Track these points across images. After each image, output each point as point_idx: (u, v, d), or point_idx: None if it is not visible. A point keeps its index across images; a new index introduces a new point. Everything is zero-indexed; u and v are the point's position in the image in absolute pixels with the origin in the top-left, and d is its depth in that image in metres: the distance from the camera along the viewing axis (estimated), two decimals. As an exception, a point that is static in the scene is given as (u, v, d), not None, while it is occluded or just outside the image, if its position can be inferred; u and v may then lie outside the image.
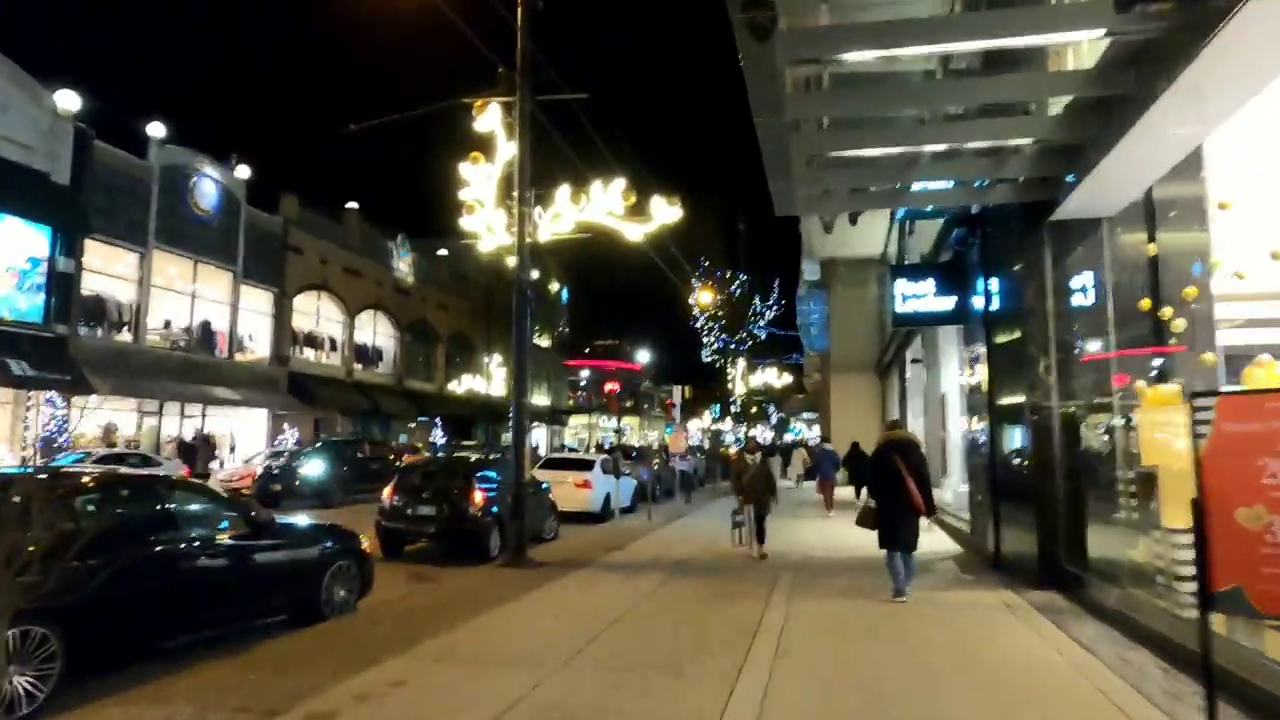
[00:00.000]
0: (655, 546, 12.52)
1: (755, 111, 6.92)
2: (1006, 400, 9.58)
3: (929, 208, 11.32)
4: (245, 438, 32.87)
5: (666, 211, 10.97)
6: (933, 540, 12.78)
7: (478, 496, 11.51)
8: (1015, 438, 9.29)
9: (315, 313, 38.82)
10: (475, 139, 11.01)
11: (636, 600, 8.19)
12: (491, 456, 14.96)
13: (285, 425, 33.30)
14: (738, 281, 36.18)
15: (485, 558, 11.30)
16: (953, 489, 14.98)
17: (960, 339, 15.76)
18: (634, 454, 25.00)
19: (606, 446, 40.72)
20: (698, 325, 36.66)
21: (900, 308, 11.74)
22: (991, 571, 9.60)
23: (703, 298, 36.92)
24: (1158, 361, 6.94)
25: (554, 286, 66.73)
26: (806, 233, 24.66)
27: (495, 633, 6.88)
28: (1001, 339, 9.73)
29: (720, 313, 35.61)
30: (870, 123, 8.44)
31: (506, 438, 50.61)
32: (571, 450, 50.10)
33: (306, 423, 36.34)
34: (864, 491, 13.40)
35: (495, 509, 11.66)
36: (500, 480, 12.25)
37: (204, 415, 31.29)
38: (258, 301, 34.45)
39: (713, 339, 36.62)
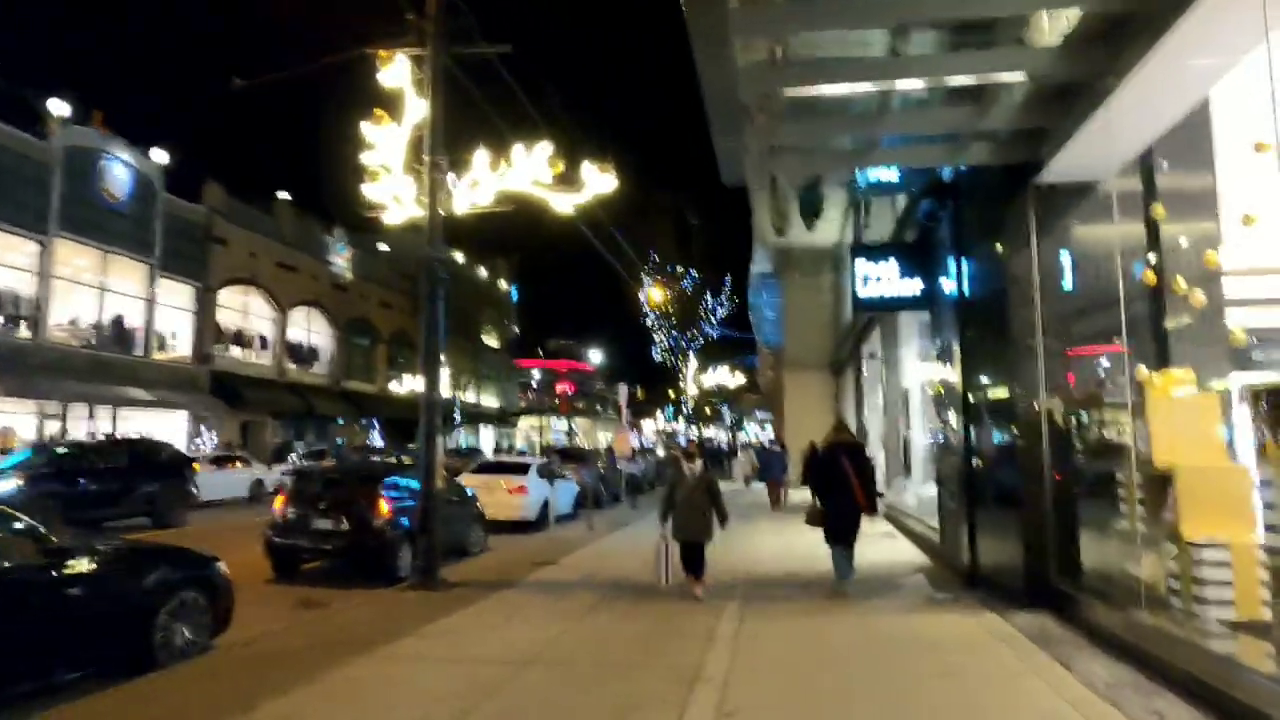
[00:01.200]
0: (591, 560, 11.13)
1: (694, 35, 5.60)
2: (984, 394, 8.42)
3: (894, 177, 10.15)
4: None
5: (599, 180, 9.61)
6: (896, 549, 11.63)
7: (384, 507, 10.00)
8: (995, 436, 8.14)
9: (244, 309, 36.61)
10: (380, 95, 9.52)
11: (556, 635, 6.81)
12: (405, 461, 13.42)
13: (203, 428, 31.04)
14: (688, 277, 34.95)
15: (394, 578, 9.80)
16: (915, 492, 13.89)
17: (922, 330, 14.71)
18: (578, 456, 23.53)
19: (559, 447, 39.22)
20: (647, 323, 35.36)
21: (863, 291, 10.55)
22: (968, 589, 8.44)
23: (653, 294, 35.57)
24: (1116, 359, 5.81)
25: (503, 285, 65.03)
26: (758, 220, 23.53)
27: (362, 688, 5.42)
28: (977, 325, 8.58)
29: (670, 310, 34.32)
30: (833, 55, 7.19)
31: (452, 441, 48.80)
32: (521, 453, 48.44)
33: (232, 425, 34.14)
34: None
35: (407, 522, 10.15)
36: (417, 489, 10.81)
37: (114, 417, 28.96)
38: (178, 296, 32.18)
39: (663, 337, 35.34)
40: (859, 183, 10.30)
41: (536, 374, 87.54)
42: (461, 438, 50.05)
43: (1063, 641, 6.21)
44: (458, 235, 60.82)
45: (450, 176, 9.79)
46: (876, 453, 21.79)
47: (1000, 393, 7.89)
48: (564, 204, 9.71)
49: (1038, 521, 7.24)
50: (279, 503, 10.35)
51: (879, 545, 11.96)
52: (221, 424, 32.99)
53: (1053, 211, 7.48)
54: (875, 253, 10.75)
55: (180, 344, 32.58)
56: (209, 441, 29.91)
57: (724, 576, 9.59)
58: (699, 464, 8.55)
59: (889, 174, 10.15)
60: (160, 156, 30.92)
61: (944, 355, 10.33)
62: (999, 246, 7.83)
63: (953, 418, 9.58)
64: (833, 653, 6.18)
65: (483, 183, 9.72)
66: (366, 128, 9.59)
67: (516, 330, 70.32)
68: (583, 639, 6.75)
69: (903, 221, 11.12)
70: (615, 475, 22.38)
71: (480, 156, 9.68)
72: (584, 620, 7.39)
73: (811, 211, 26.28)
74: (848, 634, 6.70)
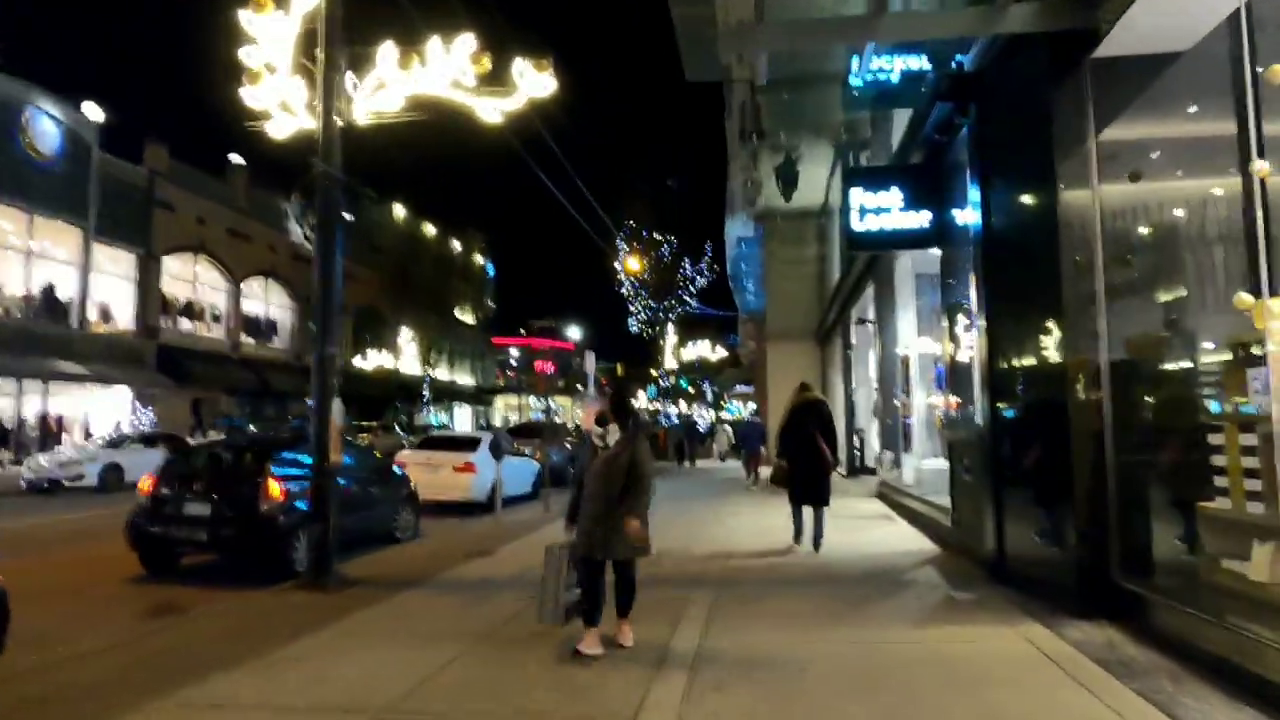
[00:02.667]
0: (531, 551, 9.31)
1: None
2: (1018, 348, 6.65)
3: (896, 75, 8.26)
4: (104, 420, 28.37)
5: (535, 82, 7.69)
6: (896, 535, 9.92)
7: (274, 489, 8.13)
8: (1032, 397, 6.37)
9: (193, 279, 34.37)
10: (262, -23, 7.54)
11: (447, 659, 5.02)
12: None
13: (138, 405, 28.90)
14: (665, 244, 32.95)
15: (290, 572, 7.98)
16: (914, 467, 12.18)
17: (923, 287, 12.98)
18: (540, 432, 21.71)
19: (538, 423, 37.43)
20: (623, 292, 33.42)
21: (859, 225, 8.73)
22: (994, 584, 6.71)
23: (630, 263, 33.62)
24: None
25: (478, 259, 62.83)
26: (735, 171, 21.70)
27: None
28: (1009, 262, 6.80)
29: (647, 278, 32.39)
30: None
31: (423, 418, 46.88)
32: (484, 429, 46.49)
33: (181, 402, 32.05)
34: None
35: (308, 506, 8.30)
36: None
37: (46, 394, 26.82)
38: (118, 264, 29.92)
39: (639, 307, 33.42)
40: (852, 87, 8.42)
41: (515, 352, 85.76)
42: (431, 415, 48.09)
43: (1148, 668, 4.48)
44: (426, 206, 58.19)
45: (350, 77, 7.85)
46: (868, 426, 20.15)
47: (1042, 345, 6.11)
48: (491, 111, 7.80)
49: (1095, 503, 5.50)
50: (146, 483, 8.45)
51: (875, 529, 10.24)
52: (169, 401, 30.92)
53: (1116, 97, 5.67)
54: (874, 179, 8.93)
55: (122, 316, 30.39)
56: (146, 419, 27.77)
57: (689, 566, 7.82)
58: (614, 433, 5.16)
59: (889, 64, 8.26)
60: (94, 113, 28.54)
61: (957, 307, 8.56)
62: (1040, 152, 6.02)
63: (973, 379, 7.83)
64: (824, 687, 4.41)
65: (390, 84, 7.79)
66: (246, 17, 7.62)
67: (493, 306, 68.22)
68: (484, 665, 4.96)
69: (907, 143, 9.30)
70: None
71: (387, 52, 7.74)
72: (491, 639, 5.61)
73: (789, 180, 24.49)
74: (847, 659, 4.93)
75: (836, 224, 22.66)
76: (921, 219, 8.68)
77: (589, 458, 5.39)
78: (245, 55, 7.75)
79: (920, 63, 8.32)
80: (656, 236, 32.97)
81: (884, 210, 8.73)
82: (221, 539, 8.11)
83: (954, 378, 8.52)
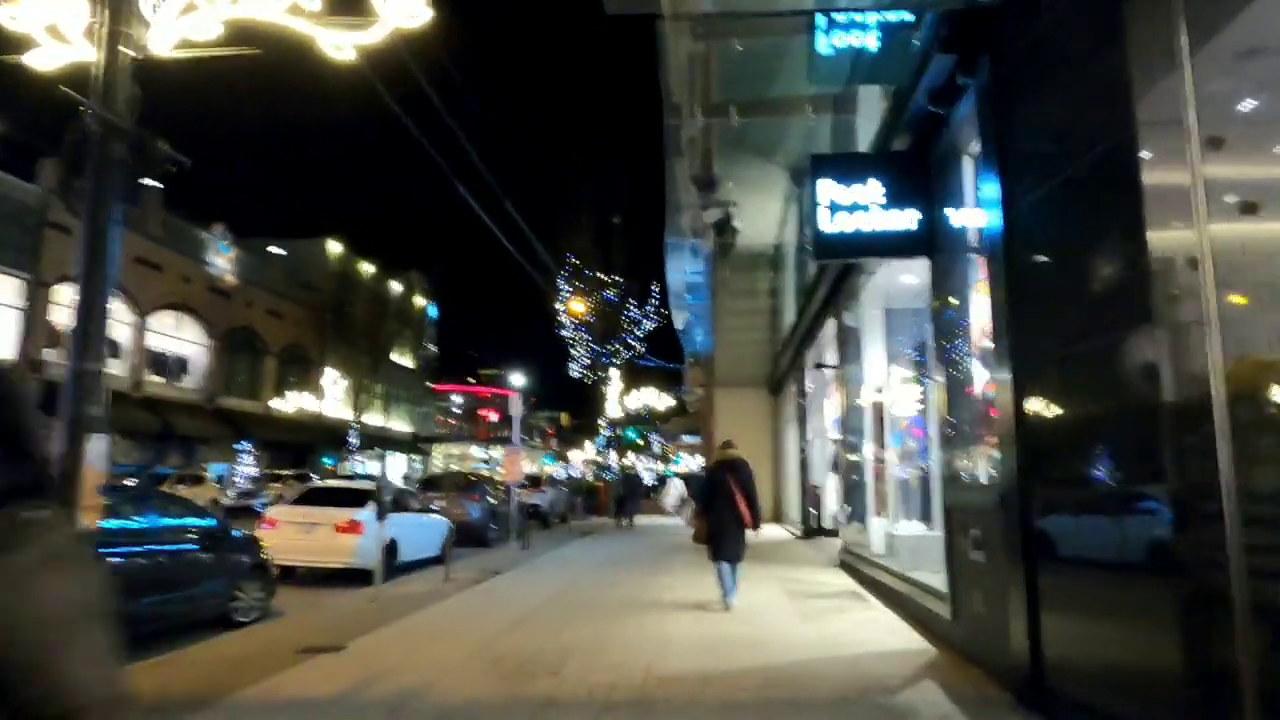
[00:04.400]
0: (397, 645, 6.99)
1: None
2: (1066, 388, 4.72)
3: (872, 37, 6.43)
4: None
5: (400, 8, 5.68)
6: (872, 624, 7.82)
7: None
8: (1097, 453, 4.40)
9: (91, 310, 31.24)
10: None
11: None
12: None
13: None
14: (610, 283, 30.97)
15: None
16: (887, 532, 10.17)
17: (893, 324, 11.18)
18: (460, 484, 19.27)
19: (456, 473, 34.66)
20: (564, 334, 31.26)
21: (828, 225, 6.83)
22: (1030, 715, 4.65)
23: (572, 305, 31.62)
24: None
25: (419, 301, 60.28)
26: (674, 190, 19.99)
27: None
28: (1049, 272, 4.92)
29: (591, 320, 30.33)
30: None
31: (349, 467, 43.66)
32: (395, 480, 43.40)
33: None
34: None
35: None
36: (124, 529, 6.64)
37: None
38: (1, 290, 26.89)
39: (581, 351, 31.28)
40: (820, 57, 6.58)
41: (458, 399, 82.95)
42: (359, 464, 44.89)
43: None
44: (364, 245, 55.63)
45: (148, -5, 5.74)
46: (825, 483, 18.20)
47: (1117, 384, 4.17)
48: (342, 45, 5.73)
49: (1216, 602, 3.50)
50: None
51: (845, 615, 8.14)
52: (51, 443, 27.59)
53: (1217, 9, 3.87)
54: (849, 169, 7.04)
55: (2, 347, 27.21)
56: None
57: (600, 679, 5.58)
58: None
59: (864, 27, 6.43)
60: (-21, 121, 25.81)
61: (953, 334, 6.67)
62: (1109, 116, 4.18)
63: (979, 428, 5.89)
64: None
65: (202, 7, 5.69)
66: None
67: (434, 349, 65.45)
68: None
69: (890, 124, 7.46)
70: (521, 508, 17.99)
71: (202, -36, 5.67)
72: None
73: (725, 241, 22.96)
74: None
75: (790, 263, 21.04)
76: (907, 219, 6.82)
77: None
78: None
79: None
80: (600, 276, 31.08)
81: (860, 208, 6.85)
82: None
83: (954, 426, 6.56)
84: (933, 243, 6.80)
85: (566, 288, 30.11)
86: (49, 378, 28.17)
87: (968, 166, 6.47)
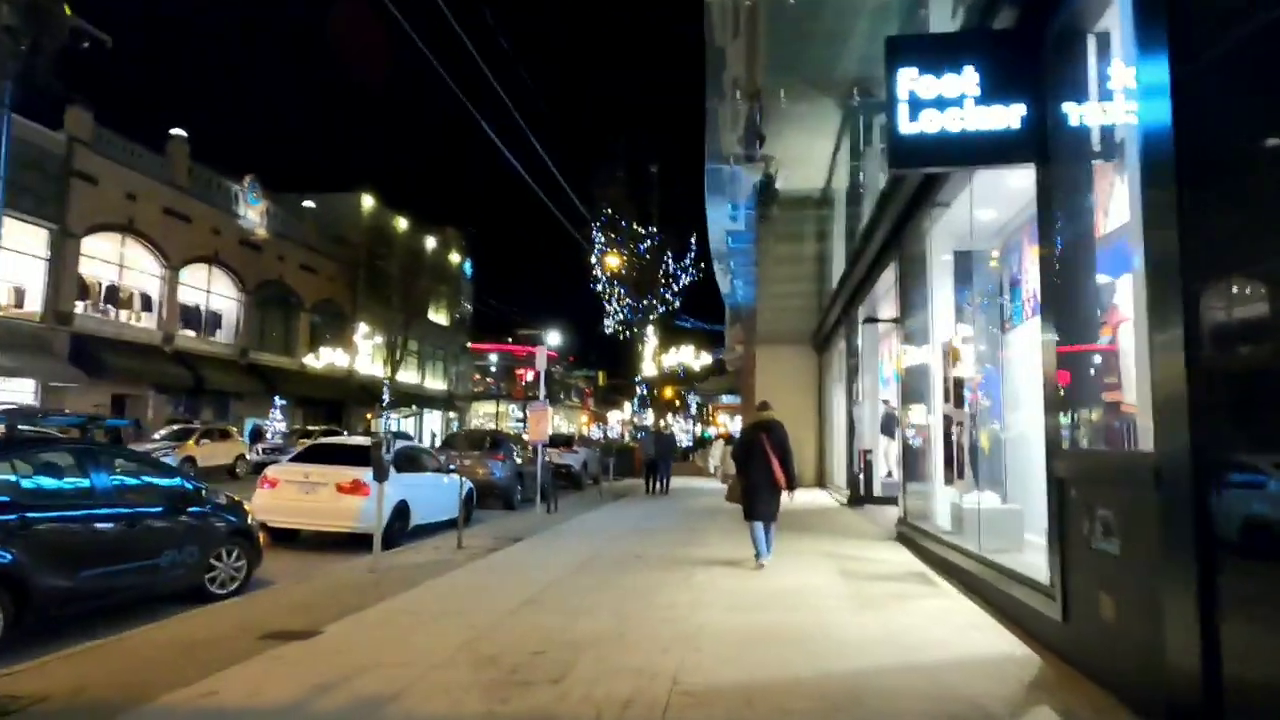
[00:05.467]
0: (380, 632, 5.91)
1: None
2: (1255, 290, 3.33)
3: None
4: (-1, 416, 24.70)
5: None
6: (948, 615, 6.53)
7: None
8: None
9: (119, 261, 30.80)
10: None
11: None
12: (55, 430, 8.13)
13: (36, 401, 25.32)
14: (646, 235, 29.47)
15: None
16: (955, 503, 8.83)
17: (962, 268, 9.77)
18: (483, 443, 18.27)
19: (484, 430, 33.85)
20: (599, 289, 29.95)
21: (908, 126, 5.45)
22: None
23: (607, 259, 30.26)
24: None
25: (454, 258, 59.38)
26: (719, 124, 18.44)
27: None
28: (1227, 130, 3.49)
29: (625, 273, 28.95)
30: None
31: (379, 424, 43.26)
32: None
33: (99, 399, 28.45)
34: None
35: (7, 555, 4.94)
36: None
37: (-81, 383, 23.22)
38: (26, 240, 26.36)
39: (616, 306, 29.99)
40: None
41: (494, 358, 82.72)
42: (392, 421, 44.43)
43: None
44: (399, 199, 54.96)
45: None
46: (875, 447, 16.86)
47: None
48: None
49: None
50: None
51: (914, 605, 6.86)
52: (84, 397, 27.29)
53: None
54: (936, 54, 5.58)
55: (29, 299, 26.83)
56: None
57: (616, 692, 4.40)
58: None
59: None
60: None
61: (1065, 266, 5.25)
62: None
63: (1108, 375, 4.52)
64: None
65: None
66: None
67: (469, 308, 64.70)
68: None
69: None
70: (545, 469, 16.79)
71: None
72: None
73: (767, 199, 21.31)
74: None
75: (841, 208, 19.44)
76: (1010, 116, 5.37)
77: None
78: None
79: None
80: (636, 228, 29.60)
81: (950, 102, 5.43)
82: None
83: (1068, 380, 5.16)
84: (1043, 145, 5.35)
85: (601, 239, 28.73)
86: (78, 330, 27.84)
87: (1092, 47, 5.01)
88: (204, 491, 7.37)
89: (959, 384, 7.88)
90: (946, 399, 8.27)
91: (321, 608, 6.62)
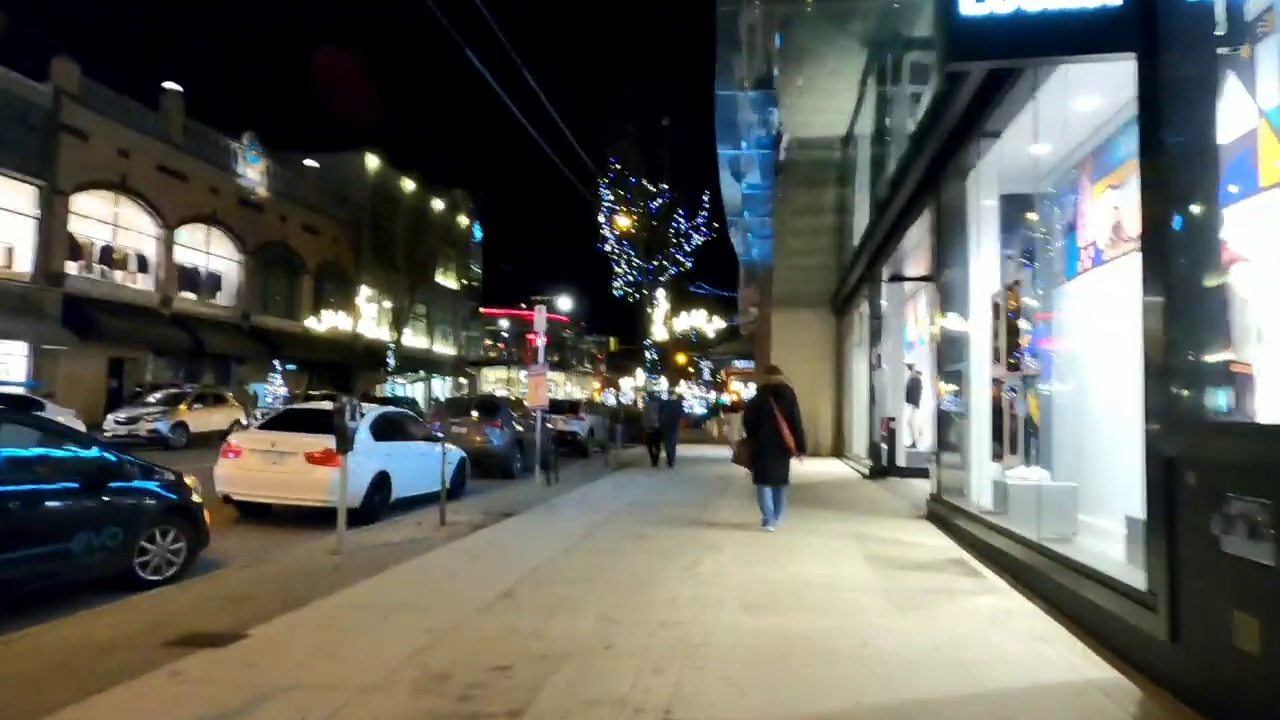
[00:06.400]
0: (304, 647, 4.86)
1: None
2: None
3: None
4: (-11, 380, 23.91)
5: None
6: (1006, 618, 5.44)
7: None
8: None
9: (114, 221, 29.80)
10: None
11: None
12: None
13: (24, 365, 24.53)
14: (656, 193, 28.06)
15: None
16: (995, 480, 7.72)
17: (1009, 216, 8.61)
18: (480, 408, 17.29)
19: (482, 396, 32.84)
20: (607, 249, 28.66)
21: (971, 5, 4.26)
22: None
23: (619, 220, 28.95)
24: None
25: (463, 220, 58.12)
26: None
27: None
28: None
29: (634, 231, 27.63)
30: None
31: (384, 389, 42.41)
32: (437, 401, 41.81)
33: (95, 362, 27.70)
34: None
35: None
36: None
37: (-99, 345, 22.44)
38: (12, 197, 25.36)
39: (625, 267, 28.72)
40: None
41: (505, 324, 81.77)
42: (398, 387, 43.62)
43: None
44: (405, 160, 53.57)
45: None
46: (900, 415, 15.73)
47: None
48: None
49: None
50: None
51: (959, 601, 5.78)
52: (78, 360, 26.51)
53: None
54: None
55: (18, 259, 25.91)
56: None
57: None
58: None
59: None
60: (-20, 12, 23.93)
61: (1180, 191, 4.07)
62: None
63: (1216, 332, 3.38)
64: None
65: None
66: None
67: (479, 271, 63.59)
68: None
69: None
70: (546, 436, 15.61)
71: None
72: None
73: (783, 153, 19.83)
74: None
75: (864, 158, 18.09)
76: (1111, -11, 4.15)
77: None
78: None
79: None
80: (645, 185, 28.21)
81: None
82: None
83: (1179, 337, 4.00)
84: (1150, 27, 4.13)
85: (609, 196, 27.40)
86: (70, 291, 26.95)
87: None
88: (132, 465, 6.34)
89: (1014, 342, 6.70)
90: (997, 360, 7.09)
91: (260, 600, 5.62)
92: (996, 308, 7.00)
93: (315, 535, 8.70)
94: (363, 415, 10.54)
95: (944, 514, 9.06)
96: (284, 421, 10.45)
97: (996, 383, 7.49)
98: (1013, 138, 7.73)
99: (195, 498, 6.98)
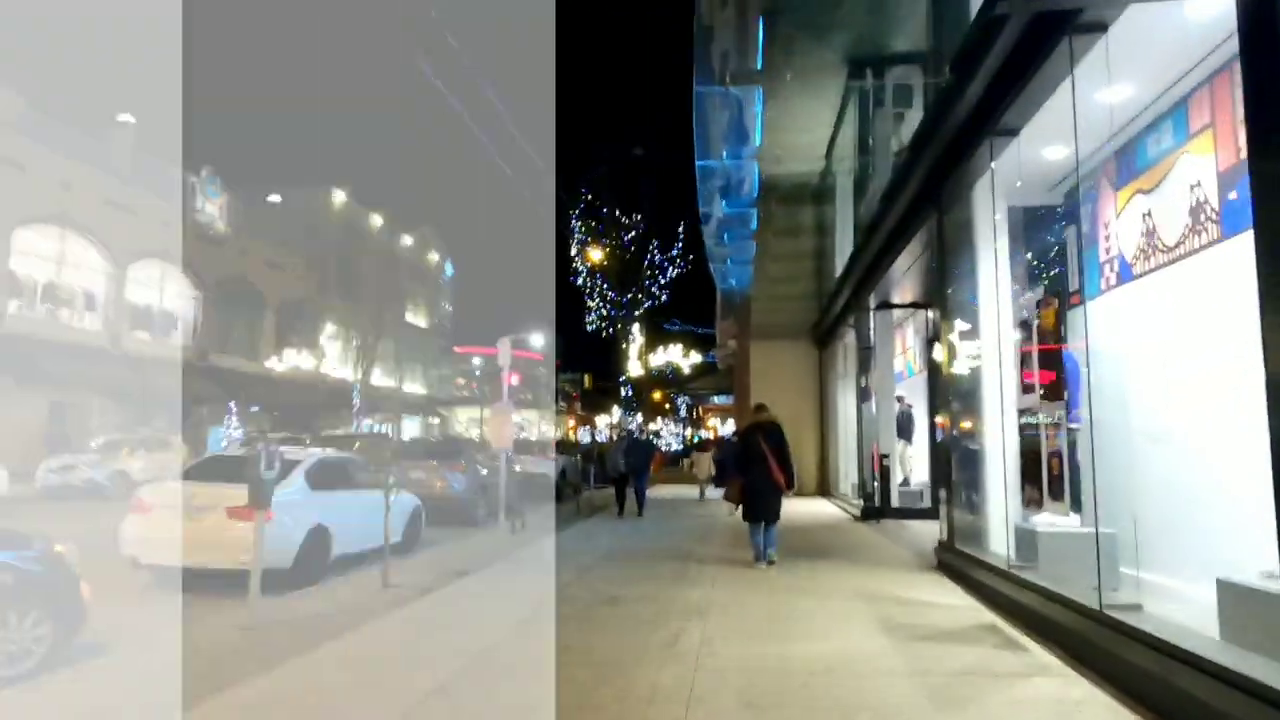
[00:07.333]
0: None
1: None
2: None
3: None
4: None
5: None
6: (1067, 713, 4.33)
7: None
8: None
9: (58, 258, 28.29)
10: None
11: None
12: None
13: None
14: (630, 225, 27.22)
15: None
16: (1018, 527, 6.64)
17: (1017, 227, 7.73)
18: (440, 452, 16.02)
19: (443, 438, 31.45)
20: (579, 283, 27.68)
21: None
22: None
23: (591, 254, 28.02)
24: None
25: (433, 257, 57.03)
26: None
27: None
28: None
29: (605, 263, 26.67)
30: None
31: (352, 430, 40.76)
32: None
33: (33, 407, 25.99)
34: None
35: None
36: None
37: None
38: (-59, 231, 23.91)
39: (598, 302, 27.73)
40: None
41: (478, 361, 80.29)
42: (364, 426, 41.94)
43: None
44: (372, 197, 52.60)
45: None
46: (894, 451, 14.71)
47: None
48: None
49: None
50: None
51: (1009, 690, 4.65)
52: (9, 403, 24.81)
53: None
54: None
55: (-50, 297, 24.34)
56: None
57: None
58: None
59: None
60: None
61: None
62: None
63: None
64: None
65: None
66: None
67: (449, 309, 62.33)
68: None
69: None
70: (513, 479, 14.24)
71: None
72: None
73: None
74: None
75: (848, 181, 17.31)
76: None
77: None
78: None
79: None
80: (618, 215, 27.41)
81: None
82: None
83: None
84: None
85: (580, 227, 26.52)
86: (9, 332, 25.34)
87: None
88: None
89: (1052, 368, 5.68)
90: (1028, 391, 6.05)
91: (120, 707, 4.36)
92: (1027, 326, 5.98)
93: (238, 601, 7.38)
94: (295, 462, 9.34)
95: (958, 565, 7.96)
96: (206, 470, 9.15)
97: (1022, 414, 6.45)
98: (1029, 140, 6.83)
99: (66, 574, 5.70)
